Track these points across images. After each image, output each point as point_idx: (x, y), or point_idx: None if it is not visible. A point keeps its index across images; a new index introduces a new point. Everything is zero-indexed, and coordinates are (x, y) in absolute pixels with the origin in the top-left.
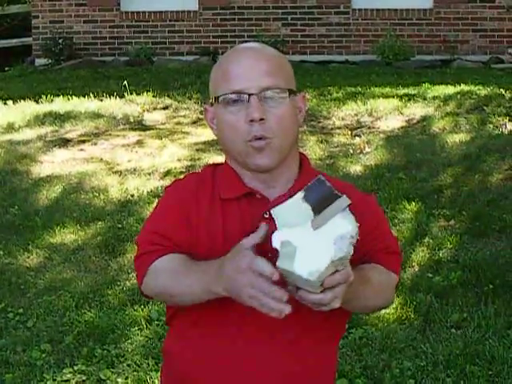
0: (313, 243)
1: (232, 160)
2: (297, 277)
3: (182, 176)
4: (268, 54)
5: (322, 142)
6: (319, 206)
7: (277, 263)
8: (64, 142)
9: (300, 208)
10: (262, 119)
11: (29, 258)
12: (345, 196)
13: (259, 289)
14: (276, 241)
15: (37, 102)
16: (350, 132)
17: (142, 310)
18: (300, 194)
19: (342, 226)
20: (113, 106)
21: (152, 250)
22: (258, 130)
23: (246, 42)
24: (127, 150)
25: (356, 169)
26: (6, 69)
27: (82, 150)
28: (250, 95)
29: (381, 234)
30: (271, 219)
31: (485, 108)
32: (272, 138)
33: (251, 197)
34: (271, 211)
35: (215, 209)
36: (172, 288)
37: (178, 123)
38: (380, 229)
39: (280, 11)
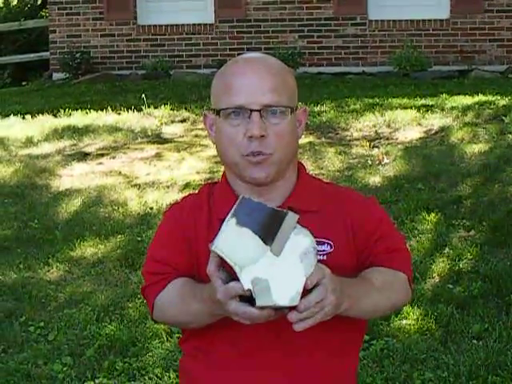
0: (281, 270)
1: (228, 170)
2: (279, 307)
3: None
4: (273, 68)
5: (340, 153)
6: (268, 229)
7: (256, 303)
8: (82, 156)
9: (241, 234)
10: (262, 136)
11: (49, 271)
12: (290, 212)
13: (242, 315)
14: (246, 282)
15: (55, 116)
16: (368, 143)
17: None
18: (232, 221)
19: (300, 243)
20: (131, 119)
21: (155, 282)
22: (256, 146)
23: (246, 53)
24: (146, 163)
25: (375, 180)
26: (24, 83)
27: (100, 163)
28: (251, 111)
29: (382, 234)
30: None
31: (503, 118)
32: (271, 153)
33: None
34: (212, 249)
35: (214, 229)
36: (180, 318)
37: (196, 136)
38: (381, 229)
39: (296, 23)
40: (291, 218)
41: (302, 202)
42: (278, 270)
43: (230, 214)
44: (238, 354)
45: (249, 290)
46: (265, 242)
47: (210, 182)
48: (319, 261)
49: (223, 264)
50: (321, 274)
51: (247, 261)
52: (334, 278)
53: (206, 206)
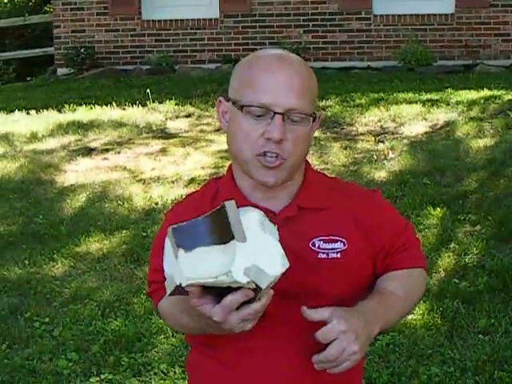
0: (256, 248)
1: (235, 164)
2: (277, 276)
3: (197, 187)
4: (300, 70)
5: (345, 148)
6: (220, 231)
7: (262, 287)
8: (88, 151)
9: (200, 254)
10: (280, 140)
11: (54, 267)
12: (225, 202)
13: (224, 331)
14: (240, 277)
15: (60, 112)
16: (373, 138)
17: None
18: (181, 252)
19: (251, 219)
20: (136, 114)
21: (154, 290)
22: (272, 148)
23: (272, 48)
24: (151, 159)
25: (380, 175)
26: (28, 79)
27: (105, 158)
28: (275, 113)
29: (396, 231)
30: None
31: (509, 112)
32: (286, 158)
33: None
34: (185, 286)
35: None
36: (178, 328)
37: (202, 131)
38: (394, 227)
39: (301, 18)
40: (230, 205)
41: (310, 200)
42: (254, 251)
43: (172, 250)
44: (248, 350)
45: (248, 283)
46: (227, 242)
47: (215, 177)
48: (334, 259)
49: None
50: (334, 332)
51: (227, 264)
52: (352, 324)
53: (208, 207)
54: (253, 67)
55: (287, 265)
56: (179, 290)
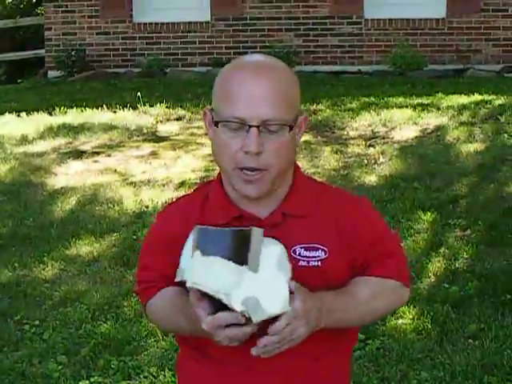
0: (264, 283)
1: (222, 172)
2: (273, 316)
3: (190, 190)
4: (276, 77)
5: (336, 152)
6: (238, 251)
7: (253, 320)
8: (78, 154)
9: (212, 263)
10: (258, 152)
11: (44, 269)
12: (254, 228)
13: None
14: (238, 306)
15: (50, 114)
16: (364, 142)
17: None
18: (197, 254)
19: (272, 253)
20: (126, 117)
21: (143, 288)
22: (251, 162)
23: (258, 52)
24: (141, 162)
25: (371, 179)
26: (19, 81)
27: (96, 161)
28: (250, 126)
29: (376, 239)
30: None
31: (499, 117)
32: (266, 170)
33: (241, 218)
34: (189, 286)
35: None
36: (169, 328)
37: (192, 134)
38: (376, 234)
39: (292, 22)
40: (257, 233)
41: (296, 206)
42: (261, 285)
43: (191, 247)
44: (236, 353)
45: (242, 312)
46: (240, 264)
47: (206, 181)
48: (314, 267)
49: (203, 296)
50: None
51: (231, 286)
52: (307, 304)
53: (197, 212)
54: (228, 79)
55: (287, 309)
56: (183, 284)
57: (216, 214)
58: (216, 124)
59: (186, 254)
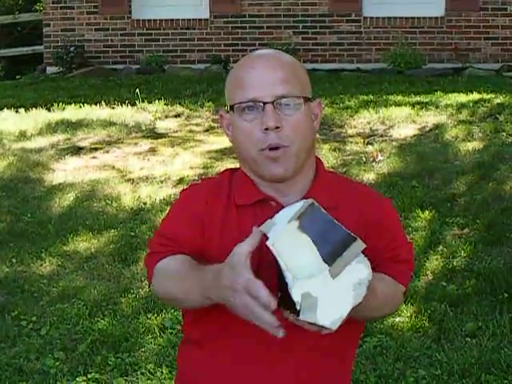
0: (332, 292)
1: (246, 168)
2: (318, 326)
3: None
4: (283, 60)
5: (334, 150)
6: (332, 248)
7: (300, 316)
8: (76, 150)
9: (301, 241)
10: (277, 127)
11: (42, 265)
12: (358, 239)
13: (251, 313)
14: (296, 295)
15: (49, 110)
16: (362, 140)
17: (156, 318)
18: (294, 224)
19: (359, 272)
20: (125, 113)
21: (158, 251)
22: (273, 139)
23: (258, 50)
24: (139, 158)
25: (369, 177)
26: (18, 77)
27: (94, 157)
28: (264, 103)
29: (393, 240)
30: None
31: (498, 116)
32: (288, 145)
33: (266, 203)
34: (269, 245)
35: (230, 214)
36: (173, 291)
37: (191, 131)
38: (394, 234)
39: (291, 19)
40: (358, 245)
41: (320, 198)
42: (329, 292)
43: (293, 214)
44: (236, 347)
45: (296, 303)
46: (325, 261)
47: (231, 168)
48: None
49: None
50: None
51: (303, 273)
52: None
53: (225, 191)
54: (237, 70)
55: (334, 327)
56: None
57: (242, 196)
58: (232, 109)
59: (283, 215)
